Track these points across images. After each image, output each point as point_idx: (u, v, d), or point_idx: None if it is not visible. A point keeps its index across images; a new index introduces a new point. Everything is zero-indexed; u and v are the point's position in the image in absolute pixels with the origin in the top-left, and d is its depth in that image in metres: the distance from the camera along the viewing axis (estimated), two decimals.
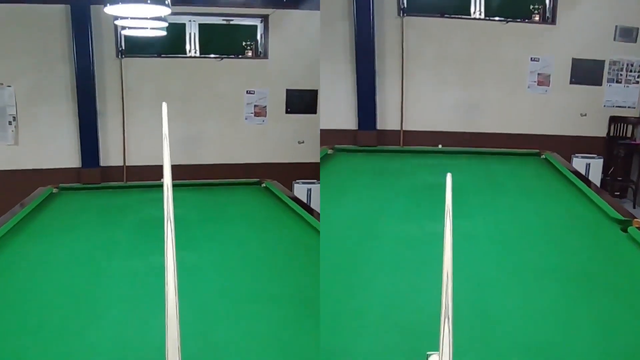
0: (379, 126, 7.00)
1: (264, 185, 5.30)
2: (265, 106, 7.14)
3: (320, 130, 6.54)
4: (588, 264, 2.84)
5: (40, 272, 3.01)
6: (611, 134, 6.91)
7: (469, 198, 3.91)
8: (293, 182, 6.79)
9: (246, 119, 7.14)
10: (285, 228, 3.82)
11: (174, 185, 4.23)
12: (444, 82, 6.93)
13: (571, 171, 4.34)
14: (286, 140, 7.19)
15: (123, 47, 6.61)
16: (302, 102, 7.16)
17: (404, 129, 7.00)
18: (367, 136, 6.85)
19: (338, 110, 6.93)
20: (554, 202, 3.87)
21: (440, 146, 5.69)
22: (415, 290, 2.57)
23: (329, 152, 5.05)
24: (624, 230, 3.13)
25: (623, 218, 3.25)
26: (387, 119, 7.02)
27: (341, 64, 6.84)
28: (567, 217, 3.57)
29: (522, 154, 5.14)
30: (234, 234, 3.78)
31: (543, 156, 4.95)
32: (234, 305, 2.56)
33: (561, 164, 4.58)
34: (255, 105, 7.11)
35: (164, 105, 1.36)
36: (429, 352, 1.83)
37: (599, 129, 6.91)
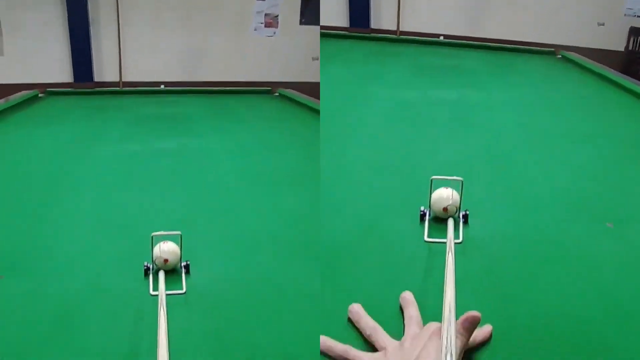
0: (372, 25, 6.38)
1: (277, 94, 4.94)
2: (277, 15, 6.45)
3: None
4: (630, 131, 2.65)
5: (21, 156, 2.83)
6: (630, 47, 6.28)
7: (483, 77, 3.70)
8: None
9: (255, 30, 6.45)
10: (300, 122, 3.67)
11: (175, 92, 4.73)
12: None
13: (597, 66, 4.04)
14: (299, 56, 6.50)
15: None
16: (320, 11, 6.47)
17: (400, 29, 6.37)
18: None
19: (326, 4, 6.27)
20: (581, 87, 3.60)
21: (441, 38, 5.35)
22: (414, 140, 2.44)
23: None
24: None
25: None
26: (382, 18, 6.39)
27: None
28: (599, 97, 3.34)
29: (535, 51, 4.84)
30: (244, 126, 3.65)
31: (559, 55, 4.66)
32: (240, 183, 2.47)
33: (584, 60, 4.27)
34: (265, 14, 6.41)
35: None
36: (433, 177, 1.58)
37: (617, 42, 6.31)
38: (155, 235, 1.56)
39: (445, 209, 1.58)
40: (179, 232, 1.58)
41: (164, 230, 1.58)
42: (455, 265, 1.24)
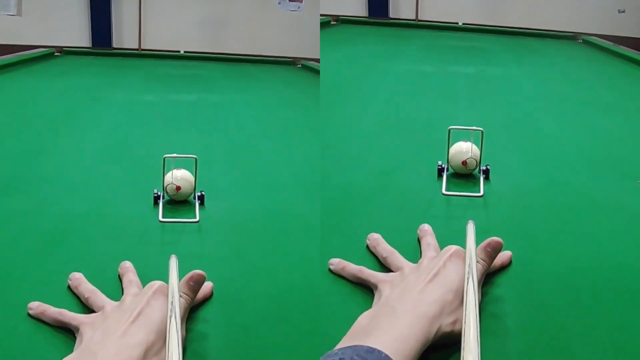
0: (391, 14, 6.11)
1: (299, 65, 4.78)
2: None
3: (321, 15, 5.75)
4: None
5: (32, 99, 2.76)
6: None
7: (501, 56, 3.65)
8: None
9: (279, 3, 6.28)
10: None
11: (196, 58, 4.93)
12: None
13: (620, 47, 3.88)
14: None
15: None
16: None
17: (419, 18, 6.12)
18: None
19: None
20: (605, 66, 3.49)
21: (460, 23, 5.33)
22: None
23: (332, 23, 4.75)
24: None
25: None
26: (401, 7, 6.16)
27: None
28: (624, 74, 3.21)
29: (555, 35, 4.81)
30: (265, 87, 3.63)
31: (580, 40, 4.55)
32: (260, 129, 2.45)
33: (607, 43, 4.13)
34: None
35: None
36: (451, 127, 1.48)
37: (639, 29, 6.01)
38: (168, 158, 1.40)
39: (464, 163, 1.49)
40: (194, 156, 1.42)
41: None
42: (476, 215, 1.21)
